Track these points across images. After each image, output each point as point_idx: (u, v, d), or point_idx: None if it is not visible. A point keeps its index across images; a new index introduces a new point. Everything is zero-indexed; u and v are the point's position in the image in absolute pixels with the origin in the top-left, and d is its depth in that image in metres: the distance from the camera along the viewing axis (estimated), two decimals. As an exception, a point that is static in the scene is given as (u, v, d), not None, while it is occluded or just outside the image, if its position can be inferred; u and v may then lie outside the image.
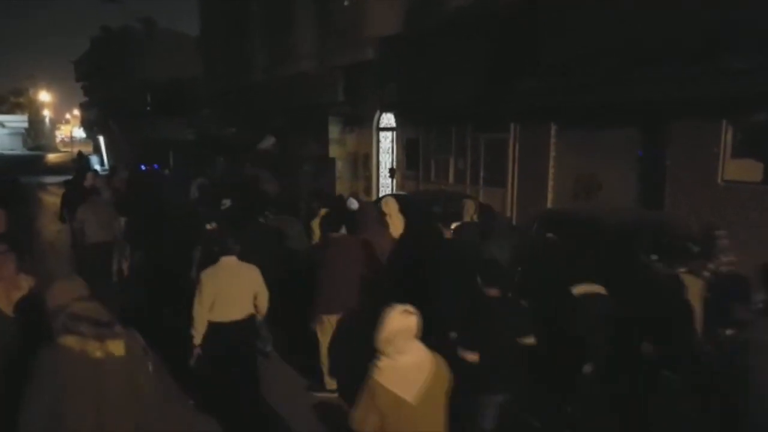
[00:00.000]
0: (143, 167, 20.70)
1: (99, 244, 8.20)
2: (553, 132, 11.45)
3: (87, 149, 47.50)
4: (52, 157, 55.60)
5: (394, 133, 16.59)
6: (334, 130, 18.34)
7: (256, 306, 5.17)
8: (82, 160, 23.91)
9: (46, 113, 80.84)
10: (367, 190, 17.39)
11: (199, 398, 5.38)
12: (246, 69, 21.91)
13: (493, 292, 4.36)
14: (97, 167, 25.44)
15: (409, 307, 3.07)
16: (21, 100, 78.08)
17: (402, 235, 7.10)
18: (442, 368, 3.17)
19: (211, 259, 5.09)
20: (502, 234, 6.92)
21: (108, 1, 33.36)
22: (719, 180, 8.89)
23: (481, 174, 13.46)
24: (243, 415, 5.04)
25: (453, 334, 4.51)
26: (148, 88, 33.10)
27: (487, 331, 4.21)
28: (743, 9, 7.84)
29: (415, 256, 6.05)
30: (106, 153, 41.57)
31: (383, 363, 3.02)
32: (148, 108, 33.56)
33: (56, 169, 36.77)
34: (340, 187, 17.60)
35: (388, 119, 16.88)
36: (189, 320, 4.98)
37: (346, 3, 16.72)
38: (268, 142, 20.68)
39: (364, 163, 17.86)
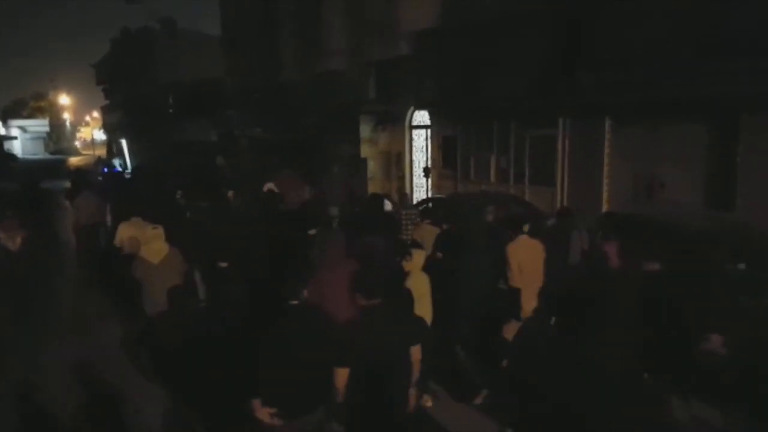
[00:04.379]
0: (105, 170, 25.62)
1: (89, 225, 11.17)
2: (607, 127, 10.82)
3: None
4: (73, 160, 55.80)
5: (428, 130, 16.04)
6: (365, 129, 17.79)
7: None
8: (100, 164, 28.47)
9: (66, 116, 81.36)
10: (401, 191, 16.86)
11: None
12: (273, 67, 21.45)
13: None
14: (119, 169, 28.32)
15: (158, 226, 6.55)
16: (42, 104, 78.62)
17: None
18: (176, 253, 6.47)
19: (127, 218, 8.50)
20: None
21: (130, 2, 33.15)
22: (801, 178, 8.26)
23: (527, 172, 12.86)
24: None
25: None
26: (169, 90, 32.81)
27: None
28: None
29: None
30: (128, 155, 41.42)
31: (144, 247, 6.44)
32: (171, 110, 33.29)
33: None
34: (373, 188, 17.09)
35: (421, 116, 16.33)
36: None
37: (377, -4, 16.20)
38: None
39: (396, 162, 17.32)
